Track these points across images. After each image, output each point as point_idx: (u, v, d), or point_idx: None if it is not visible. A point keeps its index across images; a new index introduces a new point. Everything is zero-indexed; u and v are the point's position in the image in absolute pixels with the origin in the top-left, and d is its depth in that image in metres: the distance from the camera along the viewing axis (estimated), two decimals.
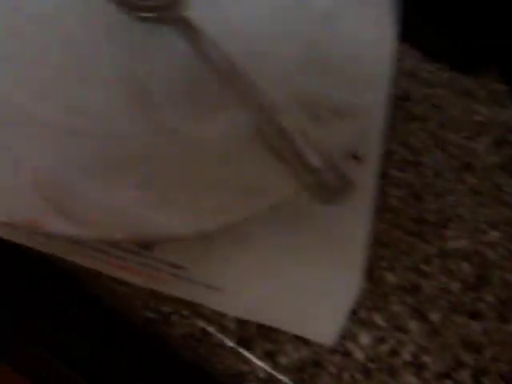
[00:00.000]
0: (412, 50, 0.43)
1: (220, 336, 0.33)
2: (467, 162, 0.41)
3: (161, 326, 0.33)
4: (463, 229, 0.38)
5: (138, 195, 0.30)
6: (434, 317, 0.35)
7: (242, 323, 0.33)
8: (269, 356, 0.33)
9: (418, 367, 0.33)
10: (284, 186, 0.32)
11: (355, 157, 0.38)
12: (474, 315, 0.35)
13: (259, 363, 0.32)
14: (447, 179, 0.40)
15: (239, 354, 0.32)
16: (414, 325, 0.35)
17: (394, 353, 0.34)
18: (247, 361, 0.33)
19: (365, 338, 0.34)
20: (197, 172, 0.32)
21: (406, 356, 0.34)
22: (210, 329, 0.33)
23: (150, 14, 0.37)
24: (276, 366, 0.32)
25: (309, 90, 0.35)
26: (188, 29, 0.36)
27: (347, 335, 0.34)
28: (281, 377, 0.32)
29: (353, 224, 0.35)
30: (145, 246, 0.34)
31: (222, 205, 0.30)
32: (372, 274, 0.35)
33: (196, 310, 0.33)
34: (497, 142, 0.42)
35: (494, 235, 0.38)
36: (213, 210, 0.30)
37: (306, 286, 0.34)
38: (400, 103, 0.41)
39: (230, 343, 0.33)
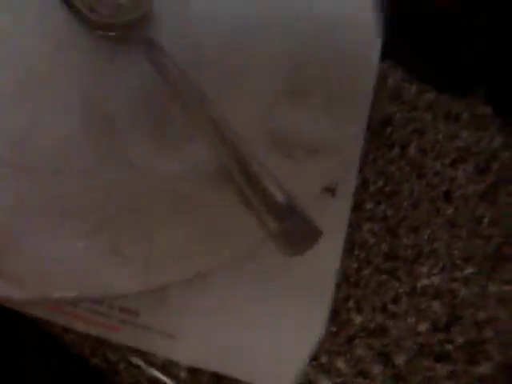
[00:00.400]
0: (395, 68, 0.40)
1: None
2: (446, 191, 0.39)
3: (109, 375, 0.31)
4: (436, 265, 0.37)
5: (88, 244, 0.28)
6: (399, 360, 0.34)
7: (194, 372, 0.32)
8: None
9: None
10: (248, 235, 0.30)
11: (328, 189, 0.36)
12: (441, 357, 0.34)
13: None
14: (424, 210, 0.38)
15: None
16: (377, 369, 0.33)
17: None
18: None
19: None
20: (153, 216, 0.30)
21: None
22: (160, 378, 0.31)
23: (111, 33, 0.34)
24: None
25: (281, 124, 0.32)
26: (152, 51, 0.33)
27: (306, 383, 0.32)
28: None
29: (320, 265, 0.34)
30: None
31: (177, 257, 0.28)
32: (337, 316, 0.34)
33: (145, 358, 0.31)
34: (478, 170, 0.40)
35: (468, 271, 0.37)
36: (167, 263, 0.28)
37: (262, 332, 0.32)
38: (380, 128, 0.39)
39: None
